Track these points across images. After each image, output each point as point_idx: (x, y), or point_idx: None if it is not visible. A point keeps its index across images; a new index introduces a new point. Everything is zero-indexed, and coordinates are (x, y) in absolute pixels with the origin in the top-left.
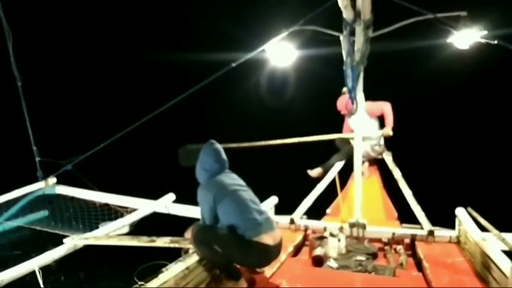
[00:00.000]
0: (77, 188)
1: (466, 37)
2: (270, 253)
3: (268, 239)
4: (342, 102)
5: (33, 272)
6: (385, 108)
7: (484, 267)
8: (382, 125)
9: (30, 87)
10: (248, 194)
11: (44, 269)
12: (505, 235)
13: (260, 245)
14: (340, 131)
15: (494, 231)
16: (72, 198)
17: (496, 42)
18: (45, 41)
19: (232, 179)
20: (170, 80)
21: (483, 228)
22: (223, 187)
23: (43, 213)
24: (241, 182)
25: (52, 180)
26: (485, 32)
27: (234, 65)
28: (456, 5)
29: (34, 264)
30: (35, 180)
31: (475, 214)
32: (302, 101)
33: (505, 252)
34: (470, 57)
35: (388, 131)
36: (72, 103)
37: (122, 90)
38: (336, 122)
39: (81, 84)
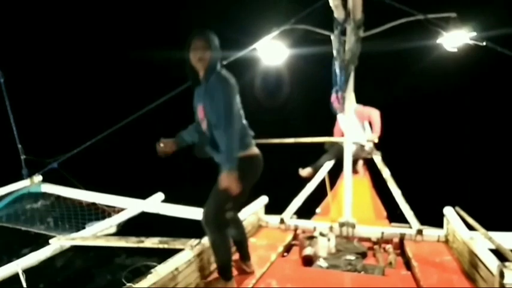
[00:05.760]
0: (63, 186)
1: (455, 38)
2: (261, 163)
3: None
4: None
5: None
6: (373, 115)
7: (471, 266)
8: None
9: (14, 84)
10: None
11: (29, 271)
12: (491, 234)
13: (257, 156)
14: (331, 129)
15: (482, 230)
16: (58, 197)
17: (484, 43)
18: (29, 37)
19: None
20: (157, 78)
21: (471, 227)
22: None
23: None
24: None
25: (37, 178)
26: (474, 34)
27: (224, 63)
28: (446, 6)
29: (19, 265)
30: (19, 178)
31: (462, 213)
32: (293, 99)
33: (492, 250)
34: (459, 59)
35: (374, 137)
36: (58, 100)
37: (109, 88)
38: (327, 120)
39: (67, 81)
